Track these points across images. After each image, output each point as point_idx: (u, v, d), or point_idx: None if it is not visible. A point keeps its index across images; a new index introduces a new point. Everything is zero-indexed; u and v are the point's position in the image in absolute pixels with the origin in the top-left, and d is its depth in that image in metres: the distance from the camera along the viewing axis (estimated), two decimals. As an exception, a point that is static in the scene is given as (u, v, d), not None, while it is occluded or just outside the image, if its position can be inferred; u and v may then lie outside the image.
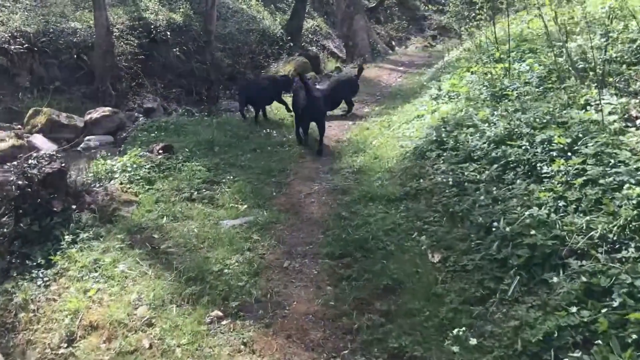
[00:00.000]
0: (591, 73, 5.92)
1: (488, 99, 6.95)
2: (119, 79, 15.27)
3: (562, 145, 4.76)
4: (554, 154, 4.80)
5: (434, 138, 6.55)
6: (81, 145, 11.37)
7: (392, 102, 11.32)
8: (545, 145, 4.97)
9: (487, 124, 6.09)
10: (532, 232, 4.06)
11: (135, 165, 6.87)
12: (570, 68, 6.26)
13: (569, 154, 4.68)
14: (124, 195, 6.12)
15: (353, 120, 10.51)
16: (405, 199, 5.79)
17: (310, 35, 23.54)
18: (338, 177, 7.09)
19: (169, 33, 16.91)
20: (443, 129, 6.66)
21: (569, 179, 4.43)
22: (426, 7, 31.50)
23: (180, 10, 17.99)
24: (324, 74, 20.35)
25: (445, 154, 6.12)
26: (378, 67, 16.85)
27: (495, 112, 6.31)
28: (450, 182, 5.45)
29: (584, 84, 5.82)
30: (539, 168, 4.81)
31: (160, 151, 7.40)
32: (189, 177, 6.85)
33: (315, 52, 22.46)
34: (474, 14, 9.60)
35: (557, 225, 4.07)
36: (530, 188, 4.65)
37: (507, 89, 6.86)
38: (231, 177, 6.98)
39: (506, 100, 6.58)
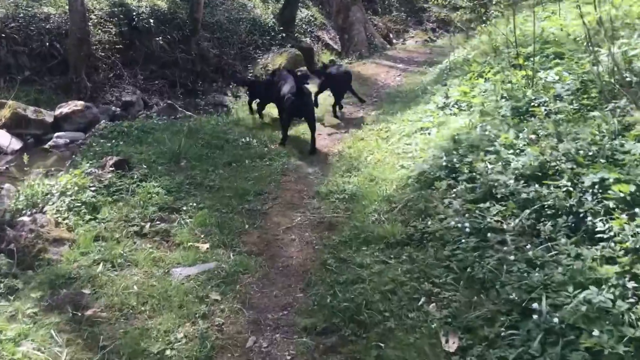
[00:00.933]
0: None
1: (509, 115, 5.72)
2: (96, 69, 14.15)
3: (622, 194, 3.55)
4: (611, 204, 3.59)
5: (444, 163, 5.33)
6: (49, 143, 10.35)
7: (390, 107, 10.07)
8: (596, 190, 3.76)
9: (511, 151, 4.87)
10: (593, 329, 2.87)
11: (77, 188, 5.60)
12: (616, 81, 5.05)
13: (635, 208, 3.47)
14: (56, 231, 4.86)
15: (347, 127, 9.27)
16: (408, 245, 4.57)
17: (304, 26, 22.27)
18: (326, 205, 5.86)
19: (152, 21, 15.72)
20: (454, 152, 5.44)
21: (638, 245, 3.23)
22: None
23: (166, -4, 16.83)
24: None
25: (458, 186, 4.90)
26: (375, 63, 15.53)
27: (521, 135, 5.09)
28: (467, 228, 4.23)
29: (637, 104, 4.62)
30: (589, 222, 3.61)
31: (113, 167, 6.14)
32: (143, 203, 5.60)
33: (308, 43, 21.17)
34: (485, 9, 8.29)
35: (627, 320, 2.88)
36: (580, 251, 3.44)
37: (533, 104, 5.65)
38: (195, 203, 5.75)
39: (534, 120, 5.36)
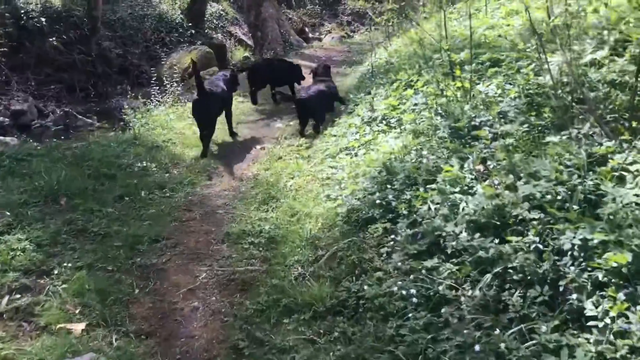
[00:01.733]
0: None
1: (447, 137, 4.89)
2: (-26, 76, 12.63)
3: (615, 265, 2.75)
4: (600, 276, 2.79)
5: (377, 200, 4.44)
6: None
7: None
8: (577, 253, 2.96)
9: (458, 188, 4.03)
10: None
11: None
12: (573, 98, 4.31)
13: (635, 282, 2.68)
14: None
15: (263, 141, 8.26)
16: (340, 314, 3.64)
17: (214, 21, 21.06)
18: (238, 253, 4.81)
19: (43, 19, 14.37)
20: (388, 186, 4.56)
21: (646, 339, 2.43)
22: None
23: (59, -8, 15.32)
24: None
25: (397, 232, 4.02)
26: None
27: (466, 165, 4.27)
28: (414, 297, 3.35)
29: (603, 128, 3.88)
30: (573, 300, 2.79)
31: (-37, 217, 4.84)
32: (2, 267, 4.36)
33: (220, 40, 20.01)
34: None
35: None
36: (566, 342, 2.62)
37: (474, 123, 4.84)
38: (73, 261, 4.54)
39: (478, 144, 4.55)
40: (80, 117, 13.45)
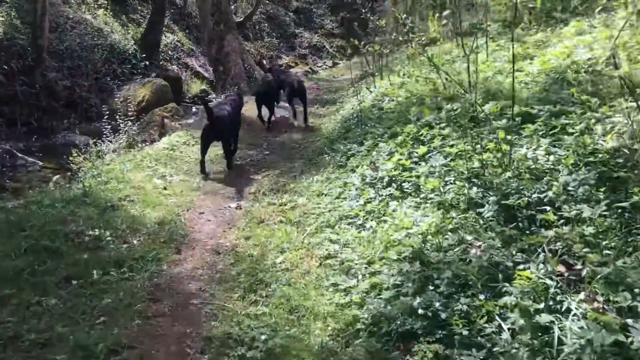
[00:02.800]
0: None
1: (493, 216, 3.87)
2: None
3: None
4: None
5: (417, 307, 3.34)
6: None
7: (289, 164, 8.05)
8: None
9: (542, 304, 2.97)
10: None
11: None
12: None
13: None
14: None
15: (238, 196, 7.08)
16: None
17: (169, 52, 20.04)
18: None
19: None
20: (430, 287, 3.47)
21: None
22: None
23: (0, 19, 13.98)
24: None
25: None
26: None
27: (542, 269, 3.22)
28: None
29: None
30: None
31: None
32: None
33: (176, 72, 19.01)
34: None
35: None
36: None
37: (527, 199, 3.83)
38: (-5, 396, 3.27)
39: (545, 233, 3.52)
40: (21, 155, 12.05)
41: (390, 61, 11.20)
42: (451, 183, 4.58)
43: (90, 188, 6.82)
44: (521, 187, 3.95)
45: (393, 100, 7.74)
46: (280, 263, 4.95)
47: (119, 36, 17.75)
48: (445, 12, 8.76)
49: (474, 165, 4.49)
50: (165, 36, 19.84)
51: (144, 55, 17.45)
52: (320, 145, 8.47)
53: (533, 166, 4.15)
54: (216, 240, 5.76)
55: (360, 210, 5.06)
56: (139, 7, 21.00)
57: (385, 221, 4.63)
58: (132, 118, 11.01)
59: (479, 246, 3.59)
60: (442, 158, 5.02)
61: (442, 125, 5.61)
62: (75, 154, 8.27)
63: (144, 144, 10.20)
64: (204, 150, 8.01)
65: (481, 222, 3.89)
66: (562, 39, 7.09)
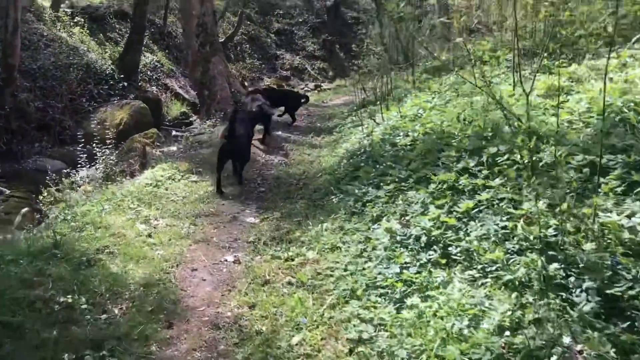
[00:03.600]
0: None
1: (592, 307, 2.99)
2: None
3: None
4: None
5: None
6: None
7: (290, 205, 7.12)
8: None
9: None
10: None
11: None
12: None
13: None
14: None
15: (235, 246, 6.12)
16: None
17: (148, 73, 19.08)
18: None
19: None
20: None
21: None
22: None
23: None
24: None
25: None
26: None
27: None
28: None
29: None
30: None
31: None
32: None
33: (155, 93, 18.06)
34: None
35: None
36: None
37: (628, 283, 2.98)
38: None
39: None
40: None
41: (390, 88, 10.37)
42: (515, 252, 3.70)
43: (63, 237, 5.81)
44: (618, 267, 3.10)
45: (408, 136, 6.87)
46: (297, 345, 4.01)
47: (96, 55, 16.82)
48: (459, 39, 7.98)
49: (547, 231, 3.62)
50: (145, 56, 18.90)
51: (122, 75, 16.61)
52: (323, 182, 7.57)
53: (627, 237, 3.30)
54: (214, 308, 4.78)
55: (395, 280, 4.14)
56: (117, 26, 20.06)
57: (432, 298, 3.73)
58: (110, 144, 10.01)
59: (580, 352, 2.72)
60: (492, 215, 4.15)
61: (485, 171, 4.76)
62: (46, 193, 7.21)
63: (123, 176, 9.22)
64: (219, 168, 7.91)
65: (573, 313, 3.01)
66: (600, 72, 6.37)
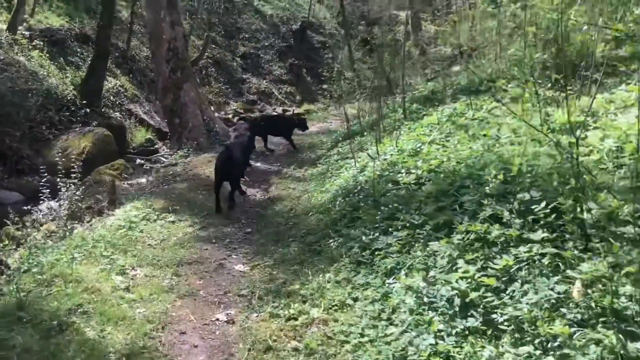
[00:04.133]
0: None
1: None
2: None
3: None
4: None
5: None
6: None
7: (282, 250, 6.48)
8: None
9: None
10: None
11: None
12: None
13: None
14: None
15: (226, 301, 5.45)
16: None
17: (112, 98, 18.22)
18: None
19: None
20: None
21: None
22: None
23: None
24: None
25: None
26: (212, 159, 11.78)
27: None
28: None
29: None
30: None
31: None
32: None
33: (119, 120, 17.24)
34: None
35: None
36: None
37: None
38: None
39: None
40: None
41: (379, 117, 9.87)
42: (575, 324, 3.17)
43: (28, 294, 5.03)
44: None
45: (411, 173, 6.35)
46: None
47: (57, 80, 15.92)
48: (456, 67, 7.57)
49: (620, 299, 3.11)
50: (107, 81, 18.05)
51: (85, 101, 15.73)
52: (317, 223, 6.96)
53: None
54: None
55: (431, 352, 3.55)
56: (79, 50, 19.13)
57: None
58: (74, 176, 9.07)
59: None
60: (538, 275, 3.62)
61: (517, 220, 4.25)
62: (6, 240, 6.39)
63: (90, 214, 8.42)
64: (217, 188, 8.21)
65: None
66: (612, 105, 6.01)
